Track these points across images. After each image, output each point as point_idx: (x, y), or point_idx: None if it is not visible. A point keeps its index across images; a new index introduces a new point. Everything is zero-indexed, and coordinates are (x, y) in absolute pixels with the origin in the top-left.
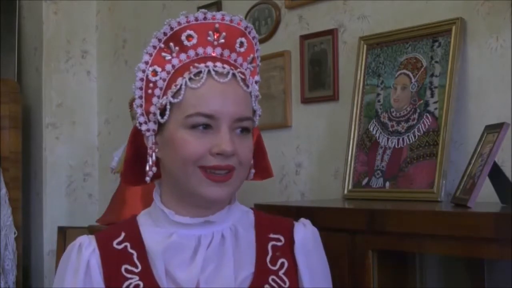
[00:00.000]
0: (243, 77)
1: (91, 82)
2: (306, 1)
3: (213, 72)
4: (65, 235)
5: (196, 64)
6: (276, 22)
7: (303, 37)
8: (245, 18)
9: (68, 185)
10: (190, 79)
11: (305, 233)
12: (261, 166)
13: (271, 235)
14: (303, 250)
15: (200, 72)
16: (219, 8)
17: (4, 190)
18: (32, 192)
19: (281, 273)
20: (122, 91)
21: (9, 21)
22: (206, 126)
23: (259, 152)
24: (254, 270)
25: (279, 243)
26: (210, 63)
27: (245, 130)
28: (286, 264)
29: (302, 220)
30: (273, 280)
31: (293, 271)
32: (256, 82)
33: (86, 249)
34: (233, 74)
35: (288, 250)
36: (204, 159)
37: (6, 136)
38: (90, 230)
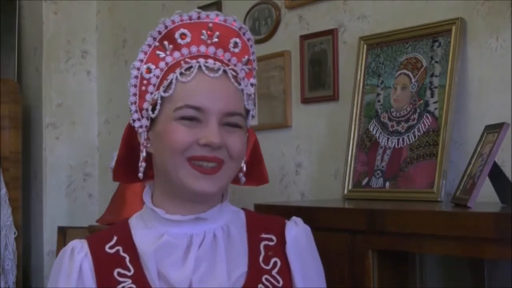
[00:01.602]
0: (234, 74)
1: (91, 82)
2: (306, 1)
3: (203, 67)
4: (65, 235)
5: (187, 59)
6: (276, 22)
7: (303, 37)
8: (245, 18)
9: (68, 185)
10: (181, 73)
11: (296, 232)
12: (257, 172)
13: (263, 235)
14: (295, 249)
15: (191, 67)
16: (219, 8)
17: (4, 190)
18: (32, 192)
19: (274, 272)
20: (122, 91)
21: (9, 21)
22: (195, 119)
23: (255, 158)
24: (247, 269)
25: (271, 243)
26: (201, 59)
27: (235, 125)
28: (279, 263)
29: (294, 218)
30: (267, 279)
31: (286, 270)
32: (252, 85)
33: (78, 253)
34: (224, 71)
35: (280, 249)
36: (191, 149)
37: (6, 136)
38: (90, 230)
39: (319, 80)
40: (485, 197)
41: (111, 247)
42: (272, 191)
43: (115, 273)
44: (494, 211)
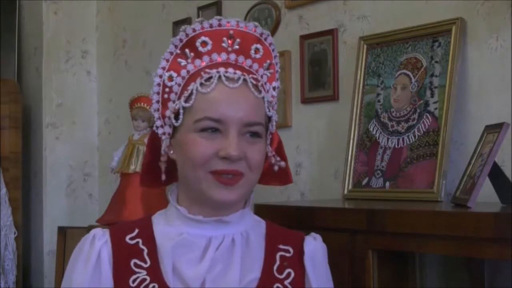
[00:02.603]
0: (255, 82)
1: (91, 82)
2: (306, 1)
3: (223, 78)
4: (65, 235)
5: (207, 70)
6: (276, 22)
7: (303, 37)
8: (245, 18)
9: (68, 185)
10: (201, 84)
11: (315, 245)
12: (281, 171)
13: (281, 246)
14: (312, 261)
15: (211, 77)
16: (219, 8)
17: (4, 190)
18: (32, 192)
19: (286, 282)
20: (122, 91)
21: (9, 21)
22: (215, 130)
23: (279, 157)
24: (260, 275)
25: (287, 254)
26: (221, 69)
27: (255, 135)
28: (292, 274)
29: (313, 234)
30: (278, 287)
31: (299, 282)
32: (274, 89)
33: (99, 240)
34: (244, 80)
35: (296, 261)
36: (212, 162)
37: (6, 136)
38: (90, 230)
39: (319, 80)
40: (485, 197)
41: (131, 238)
42: (272, 191)
43: (131, 263)
44: (494, 211)
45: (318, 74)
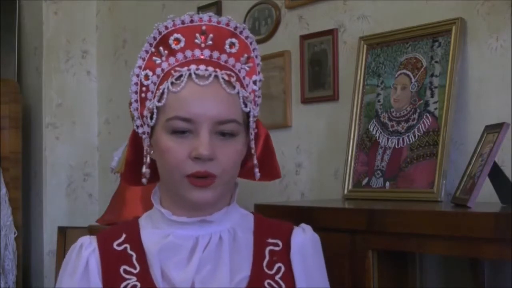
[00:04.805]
0: (227, 78)
1: (91, 82)
2: (306, 1)
3: (193, 75)
4: (65, 235)
5: (178, 68)
6: (276, 22)
7: (303, 37)
8: (245, 18)
9: (68, 185)
10: (172, 83)
11: (303, 239)
12: (268, 167)
13: (269, 240)
14: (300, 255)
15: (181, 75)
16: (218, 8)
17: (4, 190)
18: (32, 192)
19: (277, 277)
20: (122, 91)
21: (9, 21)
22: (186, 131)
23: (267, 152)
24: (250, 273)
25: (276, 248)
26: (193, 66)
27: (228, 134)
28: (283, 269)
29: (303, 225)
30: (269, 284)
31: (289, 276)
32: (255, 82)
33: (86, 249)
34: (216, 76)
35: (285, 255)
36: (185, 165)
37: (6, 136)
38: (90, 230)
39: (319, 80)
40: (485, 197)
41: (119, 244)
42: (272, 191)
43: (121, 270)
44: (494, 211)
45: (318, 74)
